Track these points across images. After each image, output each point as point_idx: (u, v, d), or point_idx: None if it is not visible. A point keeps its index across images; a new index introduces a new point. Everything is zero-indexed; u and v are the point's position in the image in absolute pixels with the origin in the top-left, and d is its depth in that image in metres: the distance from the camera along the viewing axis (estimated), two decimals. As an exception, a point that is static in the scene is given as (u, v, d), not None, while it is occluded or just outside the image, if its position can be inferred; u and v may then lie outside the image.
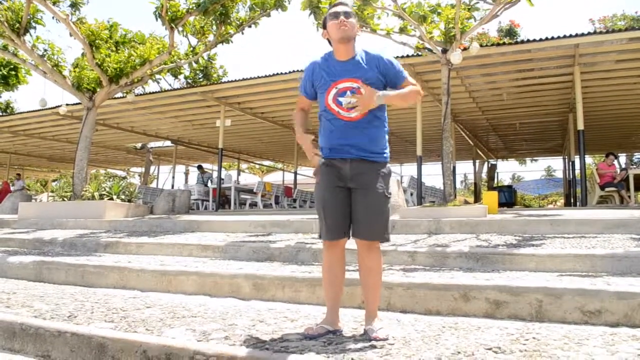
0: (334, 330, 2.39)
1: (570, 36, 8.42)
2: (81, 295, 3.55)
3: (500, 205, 10.73)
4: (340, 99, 2.39)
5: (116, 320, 2.70)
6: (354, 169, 2.38)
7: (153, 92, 12.65)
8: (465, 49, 8.09)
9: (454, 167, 12.39)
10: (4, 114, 16.59)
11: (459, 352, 2.02)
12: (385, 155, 2.46)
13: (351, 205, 2.40)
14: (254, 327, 2.53)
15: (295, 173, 17.41)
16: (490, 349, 2.07)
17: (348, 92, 2.38)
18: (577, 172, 11.08)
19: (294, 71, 10.33)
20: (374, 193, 2.36)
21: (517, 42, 9.31)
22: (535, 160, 25.24)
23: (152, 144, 19.34)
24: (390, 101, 2.40)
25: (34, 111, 13.86)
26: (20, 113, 14.74)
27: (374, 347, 2.13)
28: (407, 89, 2.44)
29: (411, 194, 10.92)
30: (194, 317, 2.76)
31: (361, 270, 2.45)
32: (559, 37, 8.48)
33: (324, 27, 2.50)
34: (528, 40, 8.82)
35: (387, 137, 2.51)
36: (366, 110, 2.34)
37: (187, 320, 2.70)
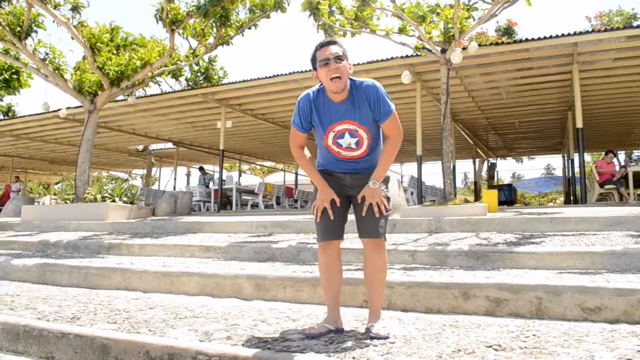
0: (336, 329, 2.41)
1: (569, 35, 8.41)
2: (84, 296, 3.57)
3: (500, 203, 10.73)
4: (340, 140, 2.43)
5: (119, 321, 2.72)
6: (355, 179, 2.48)
7: (154, 95, 12.69)
8: (464, 48, 8.11)
9: (454, 166, 12.41)
10: (6, 117, 16.62)
11: (459, 350, 2.04)
12: None
13: (354, 210, 2.49)
14: (255, 327, 2.55)
15: (296, 174, 17.45)
16: (490, 346, 2.08)
17: (346, 134, 2.42)
18: (577, 170, 11.09)
19: (294, 72, 10.35)
20: None
21: (515, 42, 9.30)
22: (532, 158, 25.22)
23: (153, 146, 19.38)
24: (385, 174, 2.43)
25: (35, 114, 13.89)
26: (22, 116, 14.75)
27: (375, 345, 2.15)
28: (391, 149, 2.45)
29: (411, 193, 10.93)
30: (197, 318, 2.78)
31: (367, 270, 2.48)
32: (557, 36, 8.47)
33: (314, 67, 2.40)
34: (526, 40, 8.82)
35: None
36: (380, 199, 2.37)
37: (190, 320, 2.72)
